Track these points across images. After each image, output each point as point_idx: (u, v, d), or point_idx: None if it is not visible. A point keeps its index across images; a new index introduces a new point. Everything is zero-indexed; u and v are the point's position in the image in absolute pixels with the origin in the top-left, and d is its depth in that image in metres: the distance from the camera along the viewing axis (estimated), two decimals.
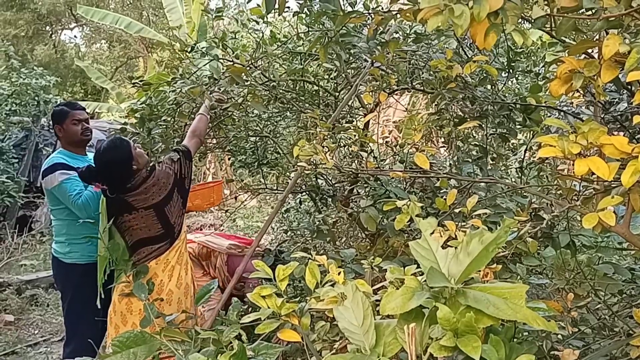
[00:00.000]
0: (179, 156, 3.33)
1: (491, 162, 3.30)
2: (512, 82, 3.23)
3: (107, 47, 23.51)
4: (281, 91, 3.81)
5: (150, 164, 3.29)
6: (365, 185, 3.19)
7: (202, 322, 3.16)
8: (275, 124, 4.22)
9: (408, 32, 3.13)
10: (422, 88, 3.18)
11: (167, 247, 3.23)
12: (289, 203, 5.21)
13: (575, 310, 2.28)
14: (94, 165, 3.22)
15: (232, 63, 3.41)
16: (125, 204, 3.18)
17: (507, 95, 3.07)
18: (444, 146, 5.94)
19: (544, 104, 2.91)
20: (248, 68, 3.39)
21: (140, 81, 3.58)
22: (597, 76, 1.41)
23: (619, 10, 1.35)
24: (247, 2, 3.95)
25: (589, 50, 1.74)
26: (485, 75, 2.81)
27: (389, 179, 3.00)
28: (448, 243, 1.67)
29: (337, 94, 3.97)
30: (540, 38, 3.43)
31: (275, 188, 4.95)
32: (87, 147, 3.89)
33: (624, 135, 2.45)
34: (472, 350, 1.13)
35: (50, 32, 23.20)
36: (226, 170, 12.13)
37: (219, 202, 3.69)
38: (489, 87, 2.97)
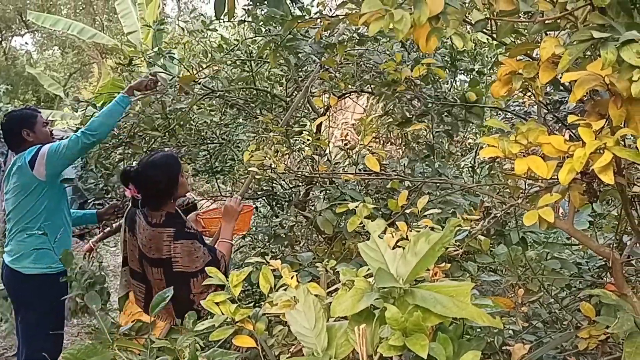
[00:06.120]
0: (206, 254, 2.80)
1: (441, 159, 3.36)
2: (455, 80, 3.30)
3: (60, 53, 23.01)
4: (232, 98, 3.79)
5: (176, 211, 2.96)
6: (322, 188, 3.21)
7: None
8: (227, 130, 4.20)
9: (354, 34, 3.16)
10: (369, 90, 3.22)
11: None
12: None
13: (528, 305, 2.33)
14: (140, 169, 2.92)
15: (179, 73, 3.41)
16: (132, 221, 2.93)
17: (451, 93, 3.13)
18: (400, 148, 6.01)
19: (491, 105, 2.99)
20: (196, 76, 3.37)
21: (90, 99, 3.57)
22: (537, 77, 1.45)
23: (554, 13, 1.40)
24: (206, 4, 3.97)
25: (534, 53, 1.80)
26: (428, 74, 2.85)
27: (344, 182, 3.02)
28: (399, 244, 1.69)
29: (288, 99, 3.98)
30: (488, 40, 3.50)
31: (231, 194, 4.91)
32: None
33: (569, 135, 2.52)
34: (420, 349, 1.15)
35: (0, 39, 22.56)
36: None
37: (245, 231, 3.42)
38: (432, 86, 3.02)
